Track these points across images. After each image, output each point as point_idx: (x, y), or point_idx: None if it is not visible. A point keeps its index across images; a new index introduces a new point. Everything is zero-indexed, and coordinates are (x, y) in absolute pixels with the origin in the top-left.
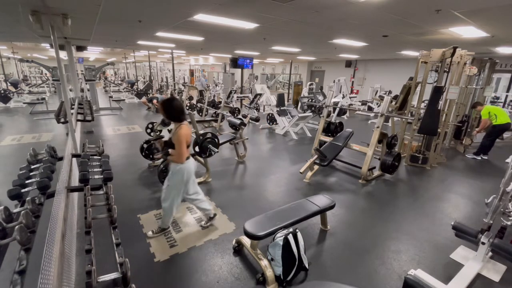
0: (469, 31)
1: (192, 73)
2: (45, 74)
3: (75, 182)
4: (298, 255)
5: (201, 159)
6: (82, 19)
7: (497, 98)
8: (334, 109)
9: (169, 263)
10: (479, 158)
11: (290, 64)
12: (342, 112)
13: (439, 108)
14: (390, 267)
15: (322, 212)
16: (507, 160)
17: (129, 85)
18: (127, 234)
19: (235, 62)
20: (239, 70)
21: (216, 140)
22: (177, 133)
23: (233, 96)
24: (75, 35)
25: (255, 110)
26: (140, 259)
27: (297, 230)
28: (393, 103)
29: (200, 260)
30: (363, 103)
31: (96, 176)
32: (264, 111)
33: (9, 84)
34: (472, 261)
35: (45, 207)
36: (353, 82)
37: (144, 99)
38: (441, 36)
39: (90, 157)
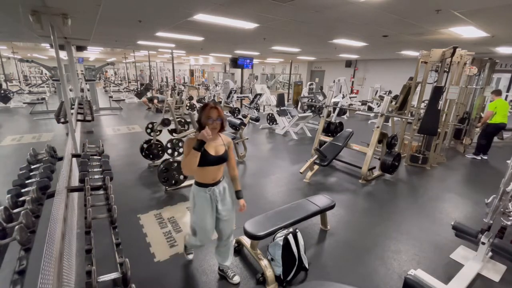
0: (469, 31)
1: (192, 73)
2: (45, 74)
3: (75, 182)
4: (298, 255)
5: None
6: (82, 19)
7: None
8: (334, 109)
9: (169, 263)
10: (479, 158)
11: (290, 64)
12: (342, 112)
13: (439, 108)
14: (390, 267)
15: (322, 212)
16: (508, 161)
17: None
18: (127, 234)
19: (235, 62)
20: (239, 70)
21: None
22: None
23: (233, 96)
24: (75, 35)
25: (255, 110)
26: (140, 259)
27: (297, 230)
28: (393, 103)
29: (200, 260)
30: (363, 103)
31: (96, 176)
32: (264, 111)
33: None
34: (472, 261)
35: (45, 207)
36: (353, 82)
37: (144, 98)
38: (441, 36)
39: (90, 157)
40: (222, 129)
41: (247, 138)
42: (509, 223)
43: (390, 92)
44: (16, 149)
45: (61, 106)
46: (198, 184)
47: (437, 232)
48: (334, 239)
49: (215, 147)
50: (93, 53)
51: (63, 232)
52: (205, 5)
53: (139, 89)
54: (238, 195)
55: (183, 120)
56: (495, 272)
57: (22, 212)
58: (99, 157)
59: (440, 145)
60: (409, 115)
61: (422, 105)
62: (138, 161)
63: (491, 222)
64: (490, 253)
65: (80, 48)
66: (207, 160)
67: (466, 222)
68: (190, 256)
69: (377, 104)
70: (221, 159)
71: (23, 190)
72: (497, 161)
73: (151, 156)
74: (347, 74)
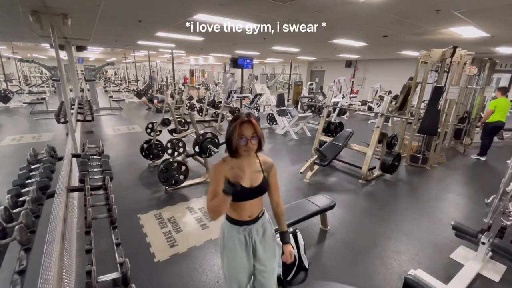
0: (469, 31)
1: (192, 73)
2: (45, 74)
3: (75, 182)
4: (298, 255)
5: (201, 159)
6: (82, 19)
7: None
8: (334, 109)
9: (169, 263)
10: (484, 159)
11: (290, 64)
12: (342, 112)
13: (439, 108)
14: (390, 267)
15: (322, 212)
16: (508, 161)
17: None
18: (127, 234)
19: (235, 62)
20: (239, 70)
21: (216, 140)
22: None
23: (233, 96)
24: (75, 35)
25: (255, 110)
26: (140, 259)
27: (297, 230)
28: (393, 103)
29: (200, 260)
30: (363, 103)
31: (96, 176)
32: (264, 111)
33: None
34: (472, 261)
35: (45, 207)
36: (353, 82)
37: (144, 98)
38: (441, 36)
39: (90, 157)
40: (259, 148)
41: None
42: (509, 223)
43: (390, 92)
44: (16, 149)
45: (61, 106)
46: (229, 219)
47: (437, 232)
48: (334, 239)
49: (250, 175)
50: (93, 53)
51: (63, 232)
52: (205, 5)
53: (151, 91)
54: (283, 238)
55: (183, 120)
56: (495, 272)
57: (22, 212)
58: (99, 157)
59: (440, 145)
60: (409, 115)
61: (422, 105)
62: (138, 161)
63: (491, 222)
64: (490, 253)
65: (80, 48)
66: (238, 194)
67: (466, 222)
68: None
69: (377, 104)
70: (258, 192)
71: (23, 190)
72: (497, 161)
73: (151, 156)
74: (347, 74)
